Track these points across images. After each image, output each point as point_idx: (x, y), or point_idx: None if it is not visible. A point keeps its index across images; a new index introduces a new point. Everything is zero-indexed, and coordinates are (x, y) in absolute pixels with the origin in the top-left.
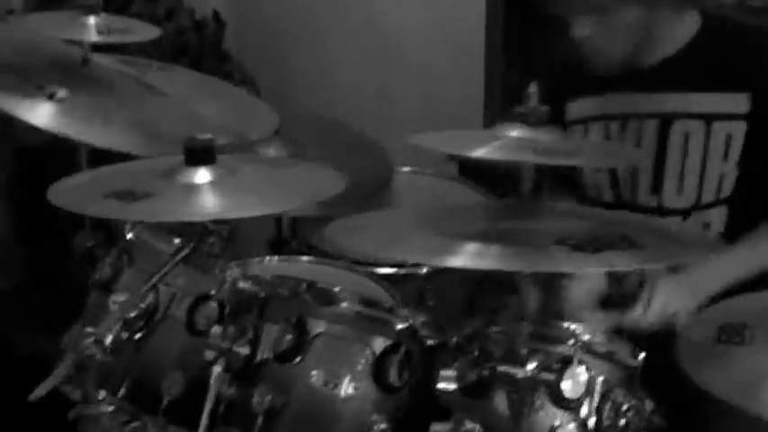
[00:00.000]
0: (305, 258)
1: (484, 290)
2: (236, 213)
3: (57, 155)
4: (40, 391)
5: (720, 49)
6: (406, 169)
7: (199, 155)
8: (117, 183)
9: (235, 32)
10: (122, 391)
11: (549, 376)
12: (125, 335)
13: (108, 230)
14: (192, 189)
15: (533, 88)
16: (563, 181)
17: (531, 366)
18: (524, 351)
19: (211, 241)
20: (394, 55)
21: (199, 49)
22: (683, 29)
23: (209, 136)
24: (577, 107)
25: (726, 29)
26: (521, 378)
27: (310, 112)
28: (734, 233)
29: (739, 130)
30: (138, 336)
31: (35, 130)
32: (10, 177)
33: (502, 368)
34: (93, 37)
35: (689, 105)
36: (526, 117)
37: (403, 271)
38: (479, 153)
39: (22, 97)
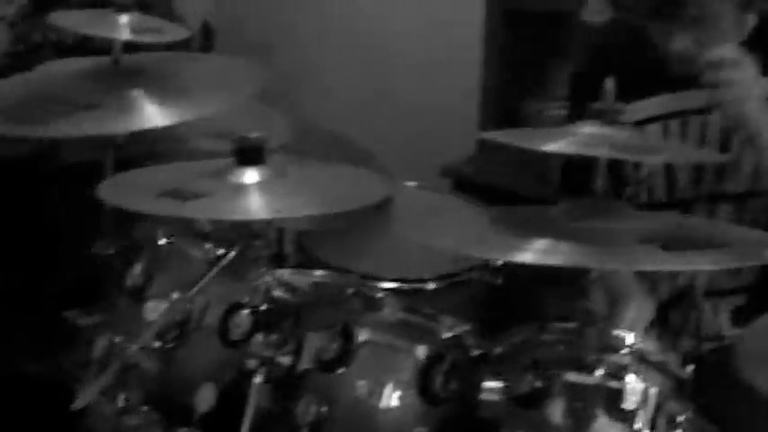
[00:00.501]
0: (316, 272)
1: (548, 296)
2: (289, 214)
3: (35, 170)
4: (83, 400)
5: None
6: (406, 184)
7: (249, 154)
8: (169, 182)
9: (223, 42)
10: (154, 402)
11: (617, 384)
12: (158, 344)
13: (130, 237)
14: (243, 189)
15: (610, 85)
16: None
17: (598, 373)
18: (592, 358)
19: (258, 244)
20: (386, 64)
21: None
22: (740, 29)
23: (259, 135)
24: (630, 110)
25: None
26: (588, 386)
27: (310, 122)
28: None
29: None
30: (171, 345)
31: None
32: None
33: (567, 376)
34: (126, 35)
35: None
36: (602, 113)
37: (407, 286)
38: (556, 147)
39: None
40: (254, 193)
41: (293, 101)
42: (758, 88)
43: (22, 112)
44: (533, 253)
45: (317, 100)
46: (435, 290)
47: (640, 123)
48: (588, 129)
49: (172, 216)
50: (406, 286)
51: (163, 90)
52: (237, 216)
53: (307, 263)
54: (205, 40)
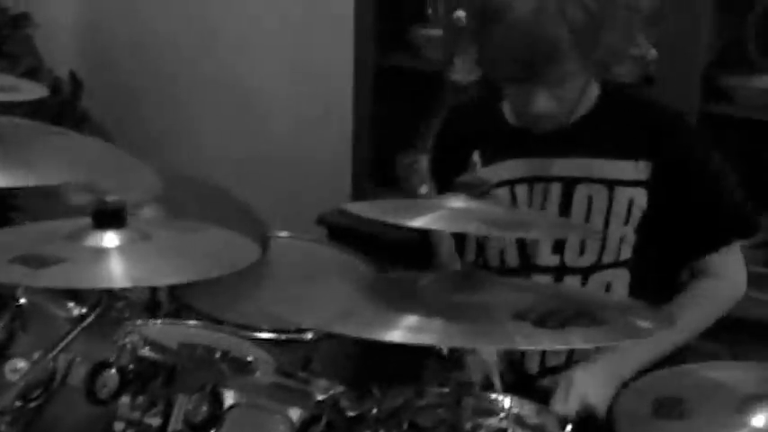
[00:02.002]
0: (189, 322)
1: (426, 364)
2: (150, 281)
3: None
4: None
5: (618, 117)
6: (281, 234)
7: (108, 218)
8: (21, 246)
9: (92, 93)
10: None
11: None
12: (19, 403)
13: None
14: (102, 254)
15: (476, 157)
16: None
17: None
18: (468, 425)
19: (119, 306)
20: (259, 120)
21: (57, 109)
22: (588, 98)
23: (119, 198)
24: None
25: (622, 99)
26: None
27: (184, 174)
28: (636, 297)
29: (640, 196)
30: (34, 404)
31: None
32: None
33: None
34: None
35: (592, 170)
36: (470, 187)
37: (284, 336)
38: (420, 223)
39: None
40: (114, 259)
41: (168, 152)
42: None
43: None
44: (402, 331)
45: (193, 152)
46: (313, 340)
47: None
48: (455, 202)
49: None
50: (282, 336)
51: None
52: (97, 284)
53: (180, 312)
54: (73, 92)
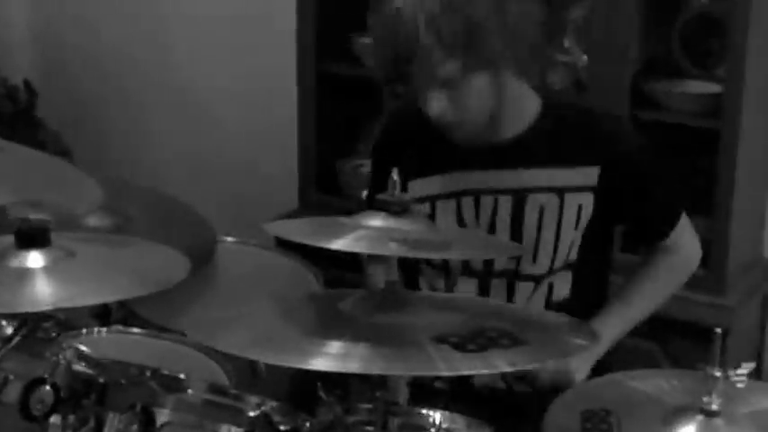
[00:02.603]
0: (135, 330)
1: (351, 383)
2: (75, 302)
3: None
4: None
5: (562, 126)
6: (229, 239)
7: (32, 238)
8: None
9: (47, 101)
10: None
11: None
12: None
13: None
14: (26, 275)
15: (395, 176)
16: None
17: None
18: None
19: (47, 326)
20: (209, 126)
21: (11, 117)
22: (528, 108)
23: (42, 217)
24: (421, 185)
25: (563, 108)
26: None
27: (131, 181)
28: (579, 297)
29: (588, 200)
30: None
31: None
32: None
33: None
34: None
35: (542, 179)
36: (389, 205)
37: None
38: (339, 245)
39: None
40: (38, 280)
41: (121, 158)
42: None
43: None
44: (327, 359)
45: (144, 158)
46: None
47: (425, 200)
48: (376, 221)
49: None
50: None
51: None
52: (20, 308)
53: (127, 320)
54: (28, 100)
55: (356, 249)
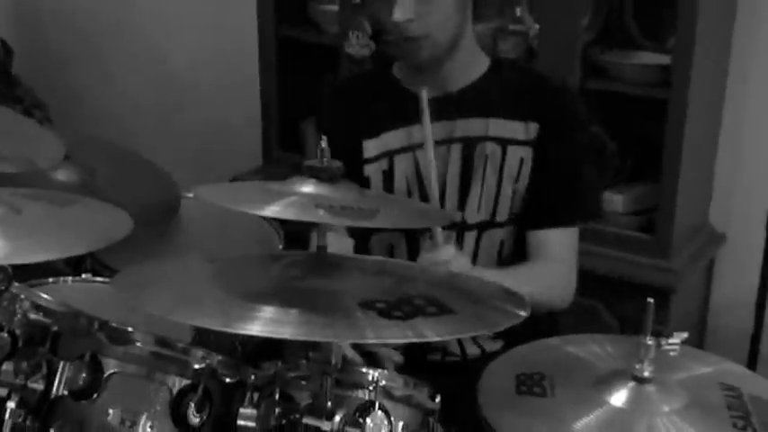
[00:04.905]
0: (99, 279)
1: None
2: (21, 258)
3: None
4: None
5: (509, 83)
6: (191, 195)
7: None
8: None
9: (24, 59)
10: None
11: (354, 430)
12: None
13: None
14: None
15: (324, 144)
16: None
17: (336, 419)
18: (330, 403)
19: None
20: (176, 84)
21: None
22: (478, 62)
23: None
24: (376, 144)
25: (512, 68)
26: (326, 431)
27: (99, 137)
28: (522, 255)
29: (528, 155)
30: None
31: None
32: None
33: (306, 420)
34: None
35: (488, 129)
36: (318, 172)
37: None
38: (269, 212)
39: None
40: None
41: (91, 113)
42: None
43: None
44: (262, 324)
45: (114, 113)
46: None
47: (384, 156)
48: (306, 187)
49: None
50: None
51: None
52: None
53: (98, 269)
54: (4, 59)
55: (285, 216)
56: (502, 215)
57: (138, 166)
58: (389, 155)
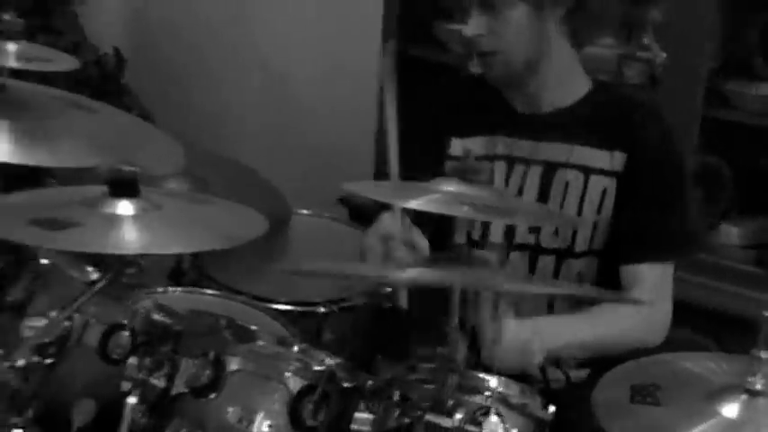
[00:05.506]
0: (208, 292)
1: (412, 339)
2: (160, 249)
3: None
4: None
5: (602, 110)
6: (303, 212)
7: (123, 187)
8: (39, 209)
9: (135, 69)
10: (32, 416)
11: (474, 428)
12: (37, 359)
13: (17, 253)
14: (116, 221)
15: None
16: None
17: (458, 416)
18: (451, 402)
19: (130, 272)
20: (287, 99)
21: (100, 82)
22: (575, 85)
23: (133, 168)
24: (462, 143)
25: (610, 94)
26: (447, 428)
27: (211, 150)
28: (605, 287)
29: (612, 186)
30: (49, 361)
31: None
32: None
33: (428, 417)
34: (14, 63)
35: (572, 156)
36: (463, 173)
37: (300, 308)
38: (415, 205)
39: None
40: (126, 226)
41: (201, 128)
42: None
43: None
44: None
45: (224, 129)
46: (325, 313)
47: (453, 158)
48: (448, 186)
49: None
50: (297, 309)
51: (31, 129)
52: (109, 249)
53: (201, 281)
54: (116, 67)
55: (431, 209)
56: (580, 246)
57: (252, 182)
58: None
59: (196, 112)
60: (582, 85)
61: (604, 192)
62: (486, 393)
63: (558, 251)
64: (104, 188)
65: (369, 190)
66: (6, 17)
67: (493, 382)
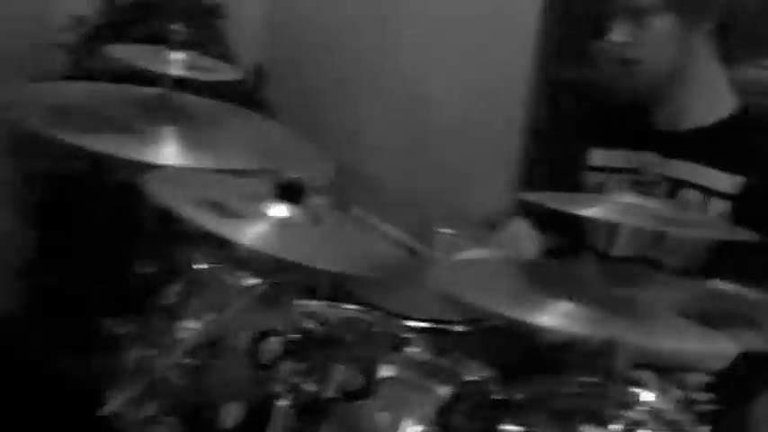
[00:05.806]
0: (345, 306)
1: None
2: (311, 261)
3: (84, 183)
4: (112, 406)
5: (742, 135)
6: (445, 231)
7: (289, 192)
8: (210, 192)
9: (274, 84)
10: (180, 414)
11: None
12: (189, 360)
13: (171, 260)
14: (275, 223)
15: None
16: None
17: (614, 428)
18: (608, 413)
19: (288, 278)
20: (430, 124)
21: (240, 95)
22: (720, 104)
23: (300, 175)
24: (602, 156)
25: (755, 119)
26: None
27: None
28: None
29: (728, 209)
30: (201, 362)
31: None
32: (37, 205)
33: (584, 429)
34: (178, 72)
35: (694, 176)
36: (641, 185)
37: (434, 326)
38: (591, 213)
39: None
40: (285, 231)
41: (339, 147)
42: None
43: (72, 118)
44: (552, 316)
45: (363, 150)
46: (461, 332)
47: (600, 170)
48: (624, 198)
49: (205, 229)
50: (433, 326)
51: (196, 134)
52: (264, 249)
53: (337, 296)
54: (257, 82)
55: (609, 217)
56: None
57: (391, 200)
58: (610, 170)
59: (332, 131)
60: (726, 106)
61: (721, 216)
62: (642, 407)
63: (676, 269)
64: (271, 189)
65: (545, 198)
66: (174, 27)
67: (648, 396)
